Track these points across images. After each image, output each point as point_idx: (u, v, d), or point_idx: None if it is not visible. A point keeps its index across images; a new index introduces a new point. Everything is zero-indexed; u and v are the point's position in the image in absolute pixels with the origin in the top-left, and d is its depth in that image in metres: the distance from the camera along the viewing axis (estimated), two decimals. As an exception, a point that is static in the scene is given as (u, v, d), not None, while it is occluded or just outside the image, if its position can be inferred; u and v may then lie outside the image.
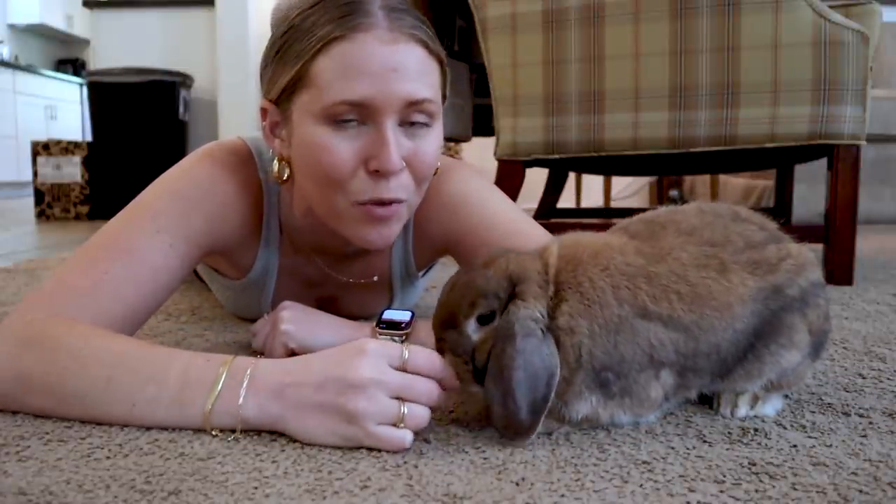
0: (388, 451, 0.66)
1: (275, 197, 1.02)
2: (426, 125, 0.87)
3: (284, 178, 0.92)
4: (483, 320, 0.69)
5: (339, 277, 1.11)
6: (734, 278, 0.71)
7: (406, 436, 0.66)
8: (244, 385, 0.69)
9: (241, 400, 0.69)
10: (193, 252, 0.93)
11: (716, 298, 0.70)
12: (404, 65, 0.83)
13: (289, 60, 0.86)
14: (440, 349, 0.72)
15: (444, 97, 0.92)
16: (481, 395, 0.70)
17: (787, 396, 0.81)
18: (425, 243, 1.10)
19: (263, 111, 0.92)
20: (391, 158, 0.83)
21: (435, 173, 0.95)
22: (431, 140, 0.88)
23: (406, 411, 0.66)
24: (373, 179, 0.86)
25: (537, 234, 1.01)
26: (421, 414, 0.67)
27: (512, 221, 1.03)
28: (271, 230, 1.04)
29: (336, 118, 0.83)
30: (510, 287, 0.69)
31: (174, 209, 0.91)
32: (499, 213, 1.03)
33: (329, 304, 1.15)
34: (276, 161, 0.93)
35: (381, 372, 0.67)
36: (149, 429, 0.71)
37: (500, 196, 1.07)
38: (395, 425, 0.66)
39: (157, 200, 0.92)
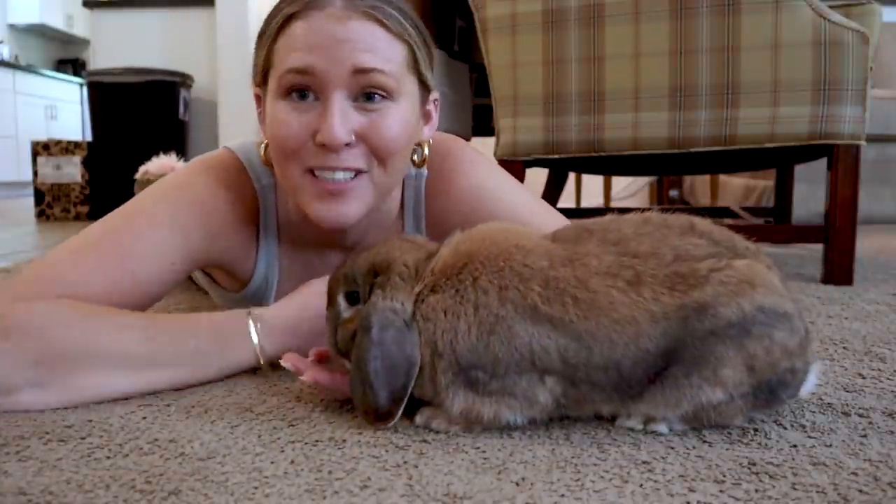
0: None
1: (271, 198, 1.03)
2: (385, 99, 0.86)
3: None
4: (350, 299, 0.73)
5: None
6: (645, 292, 0.67)
7: None
8: (258, 328, 0.87)
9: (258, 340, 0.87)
10: (188, 268, 0.95)
11: (617, 311, 0.66)
12: (354, 38, 0.83)
13: (261, 45, 0.90)
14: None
15: (424, 83, 0.92)
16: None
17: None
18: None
19: (257, 97, 0.96)
20: (332, 130, 0.83)
21: (423, 162, 0.96)
22: (392, 115, 0.87)
23: None
24: (321, 152, 0.86)
25: (553, 221, 1.01)
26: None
27: (527, 208, 1.03)
28: (269, 228, 1.04)
29: (288, 90, 0.85)
30: (371, 276, 0.71)
31: (174, 222, 0.91)
32: (515, 204, 1.03)
33: None
34: (263, 143, 0.95)
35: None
36: (148, 429, 0.71)
37: (513, 185, 1.07)
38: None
39: (154, 206, 0.92)
